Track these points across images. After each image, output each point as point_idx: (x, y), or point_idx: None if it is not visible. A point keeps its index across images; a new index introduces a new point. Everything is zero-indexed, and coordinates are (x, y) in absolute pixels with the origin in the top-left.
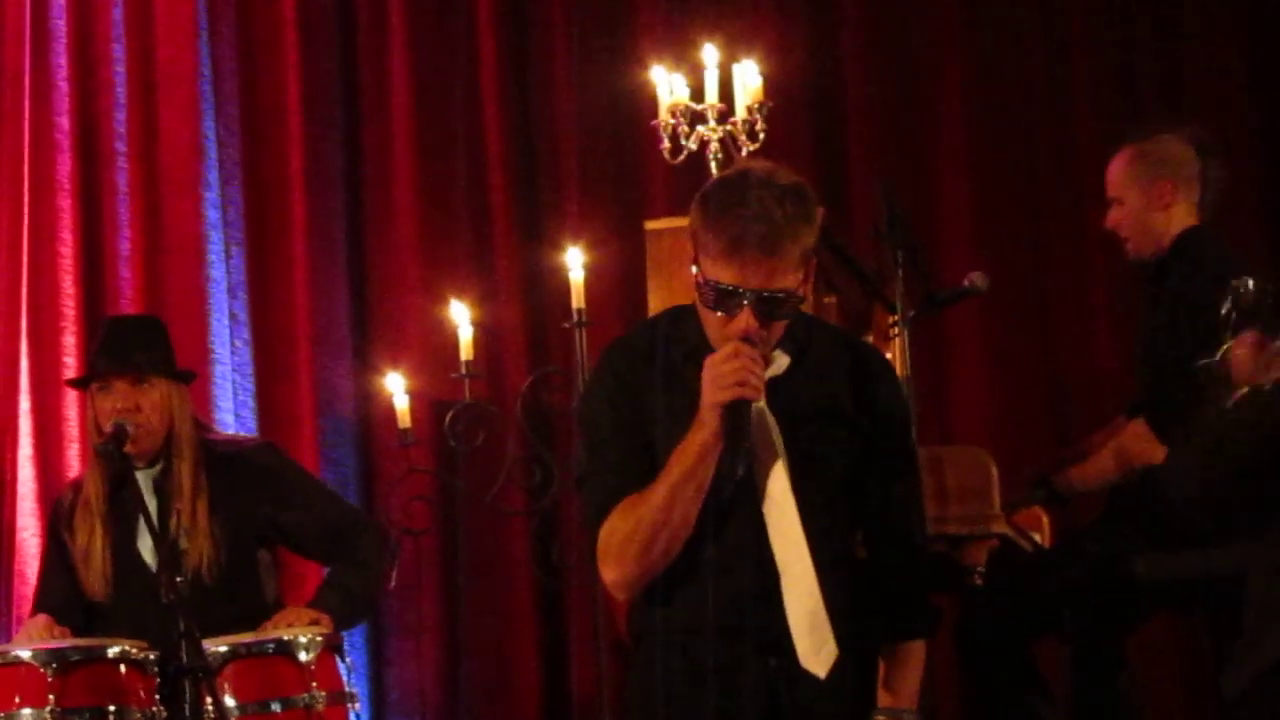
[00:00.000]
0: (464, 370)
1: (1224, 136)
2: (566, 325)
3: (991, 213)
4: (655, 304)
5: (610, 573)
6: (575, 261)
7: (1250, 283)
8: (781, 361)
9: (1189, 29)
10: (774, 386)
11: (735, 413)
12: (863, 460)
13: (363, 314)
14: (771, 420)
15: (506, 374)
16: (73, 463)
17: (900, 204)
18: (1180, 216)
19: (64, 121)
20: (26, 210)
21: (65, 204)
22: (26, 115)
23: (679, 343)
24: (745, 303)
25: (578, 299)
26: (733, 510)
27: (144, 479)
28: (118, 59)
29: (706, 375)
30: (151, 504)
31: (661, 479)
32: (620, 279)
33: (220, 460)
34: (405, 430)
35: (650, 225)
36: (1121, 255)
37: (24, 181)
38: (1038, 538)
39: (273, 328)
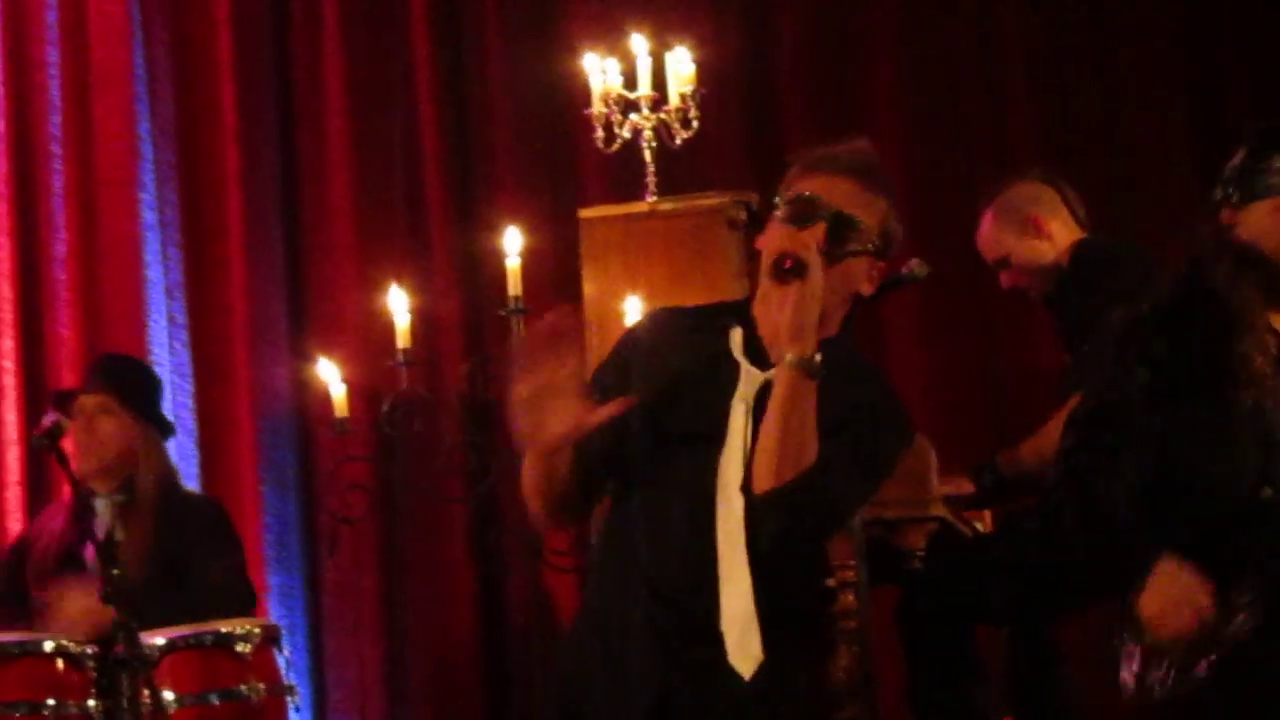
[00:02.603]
0: (401, 358)
1: (1161, 141)
2: (502, 313)
3: (927, 201)
4: (590, 291)
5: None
6: (512, 248)
7: None
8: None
9: (1124, 25)
10: (766, 387)
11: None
12: None
13: (300, 311)
14: (747, 417)
15: (444, 362)
16: (12, 466)
17: None
18: (1063, 236)
19: None
20: None
21: (1, 207)
22: None
23: (725, 314)
24: (822, 217)
25: (514, 286)
26: (688, 489)
27: (103, 504)
28: (52, 61)
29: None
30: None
31: None
32: (555, 267)
33: (174, 502)
34: (341, 420)
35: (585, 214)
36: (1034, 303)
37: None
38: (980, 526)
39: (210, 329)
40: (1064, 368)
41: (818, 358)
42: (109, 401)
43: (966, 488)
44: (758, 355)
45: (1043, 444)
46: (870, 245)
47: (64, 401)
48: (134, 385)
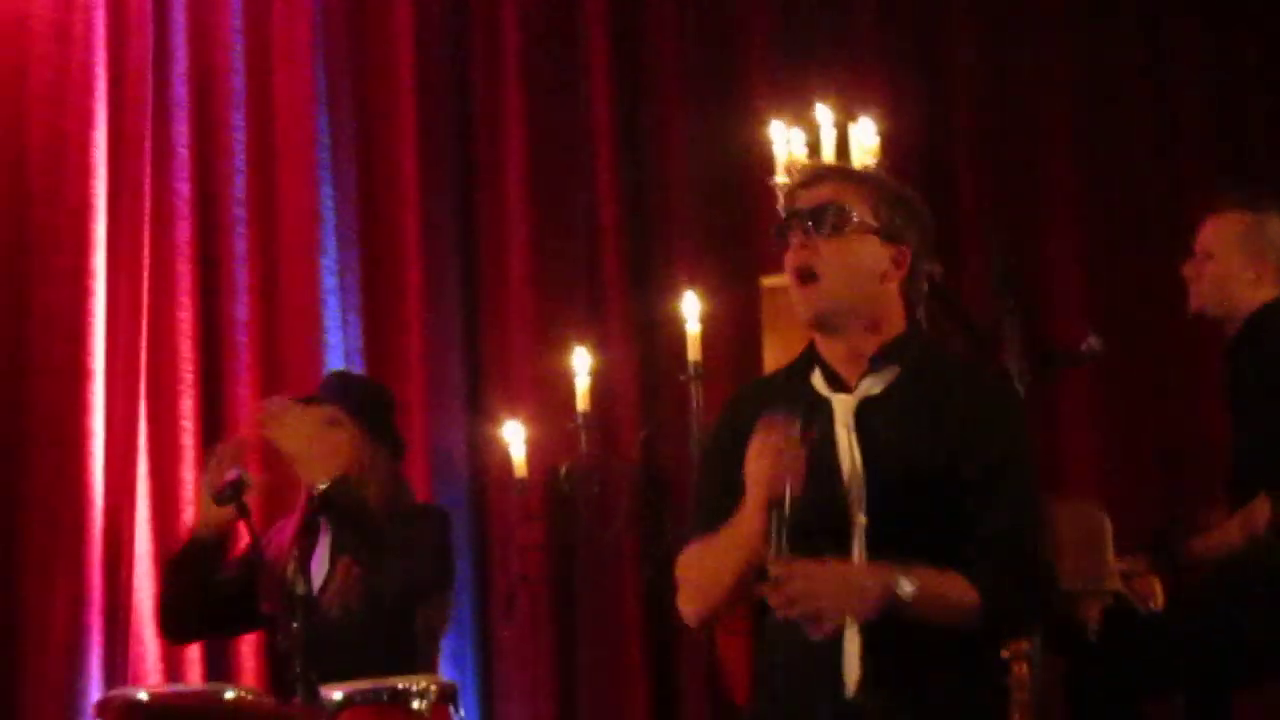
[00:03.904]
0: (580, 420)
1: None
2: (682, 378)
3: (1103, 273)
4: (770, 361)
5: (680, 602)
6: (691, 313)
7: None
8: (873, 383)
9: None
10: (865, 409)
11: (774, 507)
12: (963, 494)
13: (477, 375)
14: (854, 449)
15: (619, 427)
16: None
17: (1013, 263)
18: (1264, 291)
19: (184, 187)
20: (147, 275)
21: (184, 269)
22: (147, 181)
23: (800, 364)
24: (792, 224)
25: (693, 351)
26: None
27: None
28: (237, 126)
29: (748, 463)
30: (325, 546)
31: (718, 539)
32: (734, 335)
33: (397, 521)
34: (521, 480)
35: (767, 282)
36: (1186, 302)
37: (144, 247)
38: (1153, 605)
39: None
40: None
41: (905, 588)
42: (338, 414)
43: (1141, 567)
44: (838, 381)
45: (1224, 538)
46: (867, 225)
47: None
48: (366, 400)
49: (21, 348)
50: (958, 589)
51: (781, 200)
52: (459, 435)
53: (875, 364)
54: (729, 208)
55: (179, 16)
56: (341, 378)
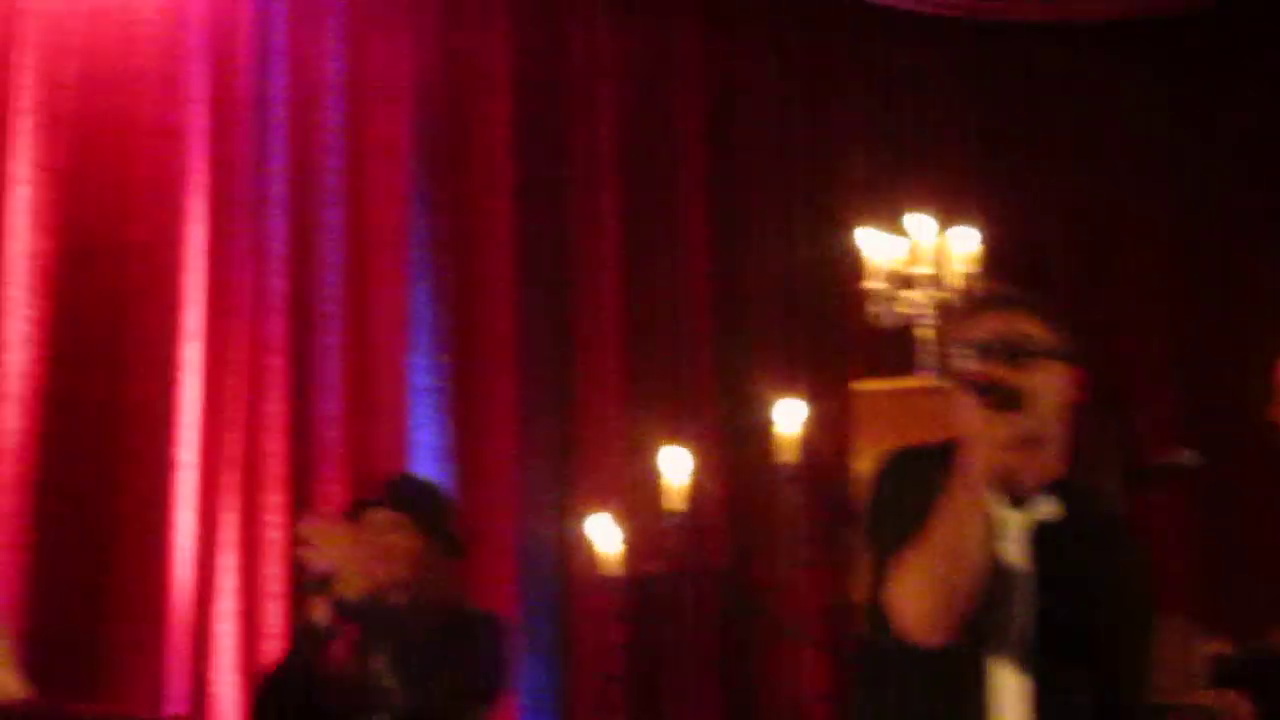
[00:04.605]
0: (671, 519)
1: None
2: (774, 479)
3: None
4: (863, 464)
5: (908, 618)
6: (789, 417)
7: None
8: (1046, 507)
9: None
10: (1040, 536)
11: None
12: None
13: (568, 477)
14: (1026, 567)
15: (710, 527)
16: (273, 620)
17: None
18: None
19: (279, 283)
20: (243, 370)
21: (278, 363)
22: (242, 277)
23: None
24: (975, 353)
25: (789, 454)
26: (961, 681)
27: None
28: (332, 222)
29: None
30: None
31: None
32: (820, 437)
33: (455, 625)
34: (610, 578)
35: (857, 386)
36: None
37: (237, 341)
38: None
39: (479, 495)
40: None
41: None
42: (400, 518)
43: (1228, 649)
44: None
45: None
46: (1054, 349)
47: (358, 510)
48: (427, 504)
49: (112, 438)
50: None
51: (938, 327)
52: (548, 537)
53: (1051, 489)
54: (818, 311)
55: (279, 113)
56: (403, 481)
